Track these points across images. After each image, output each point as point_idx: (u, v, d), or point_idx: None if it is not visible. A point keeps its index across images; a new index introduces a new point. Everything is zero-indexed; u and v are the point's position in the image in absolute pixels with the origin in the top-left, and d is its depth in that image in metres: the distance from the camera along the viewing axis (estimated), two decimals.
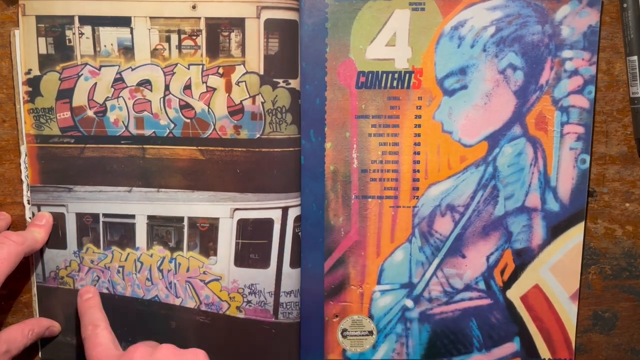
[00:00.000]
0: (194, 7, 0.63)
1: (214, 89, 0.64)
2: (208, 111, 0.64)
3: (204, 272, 0.67)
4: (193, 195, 0.66)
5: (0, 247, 0.59)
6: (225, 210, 0.66)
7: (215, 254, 0.67)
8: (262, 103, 0.64)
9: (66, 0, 0.62)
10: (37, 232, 0.65)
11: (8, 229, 0.67)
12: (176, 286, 0.67)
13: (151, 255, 0.67)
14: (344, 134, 0.66)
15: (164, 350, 0.58)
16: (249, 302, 0.67)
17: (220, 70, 0.64)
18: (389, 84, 0.65)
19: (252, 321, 0.67)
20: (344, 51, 0.65)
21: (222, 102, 0.64)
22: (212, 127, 0.65)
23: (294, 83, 0.64)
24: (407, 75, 0.65)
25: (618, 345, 0.71)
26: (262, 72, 0.63)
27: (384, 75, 0.65)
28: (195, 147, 0.65)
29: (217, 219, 0.66)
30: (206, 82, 0.64)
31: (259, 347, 0.66)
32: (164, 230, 0.67)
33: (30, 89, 0.64)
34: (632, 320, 0.70)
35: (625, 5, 0.64)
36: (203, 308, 0.68)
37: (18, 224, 0.67)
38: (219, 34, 0.63)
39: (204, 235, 0.67)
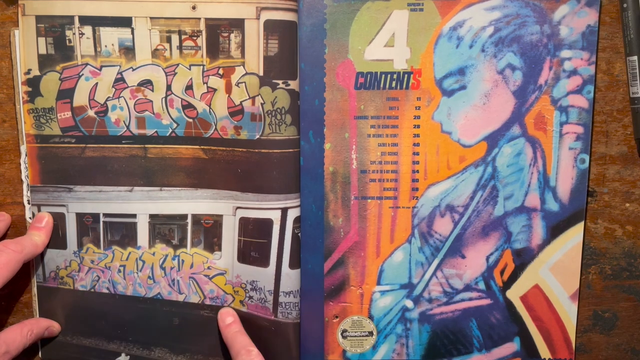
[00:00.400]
0: (194, 7, 0.63)
1: (215, 90, 0.64)
2: (209, 111, 0.65)
3: (208, 267, 0.67)
4: (197, 193, 0.66)
5: None
6: (227, 207, 0.66)
7: (219, 249, 0.67)
8: (262, 104, 0.64)
9: (66, 0, 0.63)
10: (37, 236, 0.65)
11: (8, 229, 0.67)
12: (179, 283, 0.68)
13: (153, 254, 0.67)
14: (343, 135, 0.66)
15: None
16: (250, 297, 0.67)
17: (221, 71, 0.64)
18: (387, 85, 0.65)
19: (254, 316, 0.67)
20: (342, 52, 0.65)
21: (223, 102, 0.64)
22: (214, 127, 0.65)
23: (293, 84, 0.64)
24: (406, 75, 0.65)
25: (618, 345, 0.71)
26: (261, 73, 0.63)
27: (383, 75, 0.65)
28: (198, 146, 0.65)
29: (220, 216, 0.66)
30: (207, 83, 0.64)
31: (260, 344, 0.66)
32: (166, 228, 0.67)
33: (29, 89, 0.64)
34: (632, 320, 0.70)
35: (625, 5, 0.64)
36: (207, 302, 0.68)
37: (18, 224, 0.67)
38: (218, 34, 0.63)
39: (209, 231, 0.67)
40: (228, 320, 0.66)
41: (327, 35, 0.65)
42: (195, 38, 0.63)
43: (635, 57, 0.64)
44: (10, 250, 0.61)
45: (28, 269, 0.67)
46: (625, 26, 0.64)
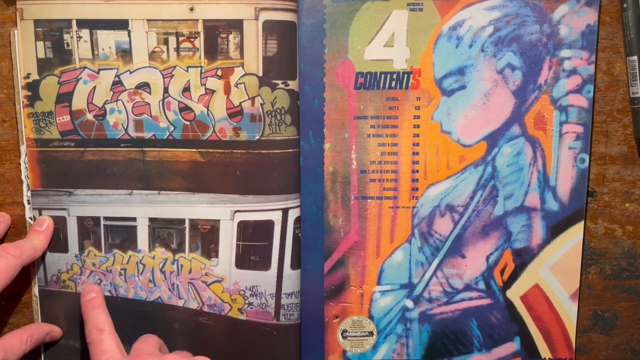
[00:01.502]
0: (191, 9, 0.63)
1: (213, 91, 0.64)
2: (207, 113, 0.64)
3: (205, 274, 0.67)
4: (194, 197, 0.66)
5: None
6: (225, 212, 0.66)
7: (216, 256, 0.67)
8: (261, 105, 0.64)
9: (64, 4, 0.62)
10: (37, 239, 0.65)
11: (8, 230, 0.67)
12: (179, 287, 0.68)
13: (153, 257, 0.67)
14: (343, 135, 0.66)
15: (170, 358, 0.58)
16: (250, 304, 0.67)
17: (219, 72, 0.64)
18: (387, 85, 0.65)
19: (254, 323, 0.67)
20: (342, 52, 0.65)
21: (221, 104, 0.64)
22: (212, 129, 0.65)
23: (293, 84, 0.64)
24: (406, 75, 0.65)
25: (618, 345, 0.71)
26: (260, 74, 0.63)
27: (383, 75, 0.65)
28: (195, 150, 0.65)
29: (217, 220, 0.66)
30: (205, 84, 0.64)
31: (261, 349, 0.67)
32: (165, 232, 0.67)
33: (29, 93, 0.64)
34: (632, 320, 0.70)
35: (625, 5, 0.64)
36: (205, 309, 0.68)
37: (18, 224, 0.67)
38: (217, 36, 0.63)
39: (205, 237, 0.67)
40: (89, 296, 0.65)
41: (327, 35, 0.64)
42: (193, 40, 0.63)
43: (635, 57, 0.64)
44: (9, 255, 0.61)
45: (28, 269, 0.67)
46: (625, 26, 0.64)
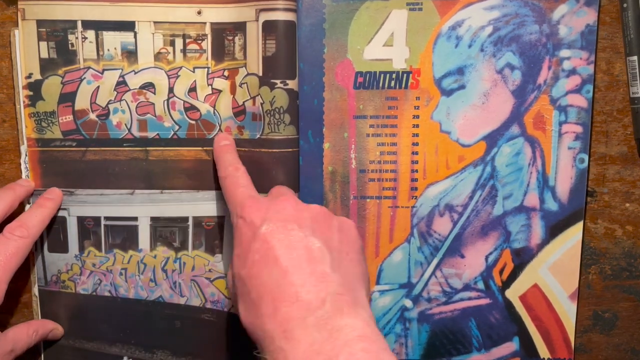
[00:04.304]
0: (199, 12, 0.63)
1: (220, 91, 0.64)
2: (214, 112, 0.65)
3: (209, 270, 0.67)
4: (198, 195, 0.66)
5: (6, 243, 0.60)
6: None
7: (221, 252, 0.67)
8: (261, 104, 0.64)
9: (67, 5, 0.63)
10: (45, 209, 0.64)
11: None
12: (181, 285, 0.68)
13: (155, 257, 0.67)
14: (342, 135, 0.66)
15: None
16: None
17: (226, 73, 0.64)
18: (386, 84, 0.65)
19: None
20: (341, 52, 0.65)
21: (227, 103, 0.65)
22: (218, 128, 0.65)
23: (292, 84, 0.64)
24: (405, 75, 0.65)
25: (618, 345, 0.71)
26: (261, 74, 0.64)
27: (382, 75, 0.65)
28: (200, 148, 0.65)
29: (222, 217, 0.67)
30: (212, 85, 0.64)
31: None
32: (167, 230, 0.67)
33: (31, 93, 0.64)
34: (632, 320, 0.70)
35: (625, 5, 0.64)
36: (208, 306, 0.68)
37: None
38: (224, 38, 0.64)
39: (210, 234, 0.67)
40: (223, 142, 0.65)
41: (326, 34, 0.65)
42: (200, 42, 0.64)
43: (635, 57, 0.64)
44: (17, 237, 0.60)
45: (28, 268, 0.67)
46: (625, 26, 0.64)
